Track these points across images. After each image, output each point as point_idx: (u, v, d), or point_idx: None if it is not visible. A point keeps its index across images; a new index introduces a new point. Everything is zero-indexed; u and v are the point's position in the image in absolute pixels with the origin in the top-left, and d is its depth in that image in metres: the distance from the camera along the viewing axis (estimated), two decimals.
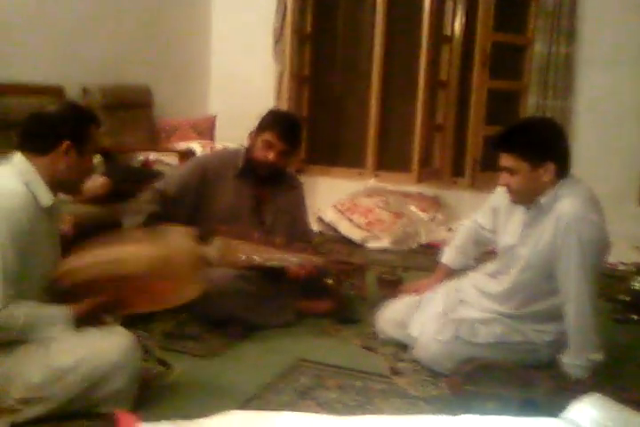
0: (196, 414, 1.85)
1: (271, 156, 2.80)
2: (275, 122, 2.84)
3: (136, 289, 1.93)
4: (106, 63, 4.32)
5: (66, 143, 1.88)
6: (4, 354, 1.84)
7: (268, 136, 2.80)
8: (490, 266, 2.60)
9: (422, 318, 2.55)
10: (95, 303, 1.92)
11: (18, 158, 1.89)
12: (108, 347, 1.89)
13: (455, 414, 1.32)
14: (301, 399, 2.15)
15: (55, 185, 1.91)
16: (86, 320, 1.93)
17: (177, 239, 2.04)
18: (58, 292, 1.94)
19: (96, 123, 1.99)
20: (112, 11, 4.38)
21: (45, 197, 1.88)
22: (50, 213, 1.92)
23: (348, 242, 4.43)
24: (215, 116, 4.99)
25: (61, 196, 2.12)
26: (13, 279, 1.77)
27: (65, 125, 1.90)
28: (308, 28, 5.20)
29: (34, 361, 1.84)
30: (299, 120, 3.12)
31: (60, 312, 1.87)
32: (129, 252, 1.94)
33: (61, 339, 1.89)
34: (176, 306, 2.11)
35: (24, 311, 1.80)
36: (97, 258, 1.90)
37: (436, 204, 4.86)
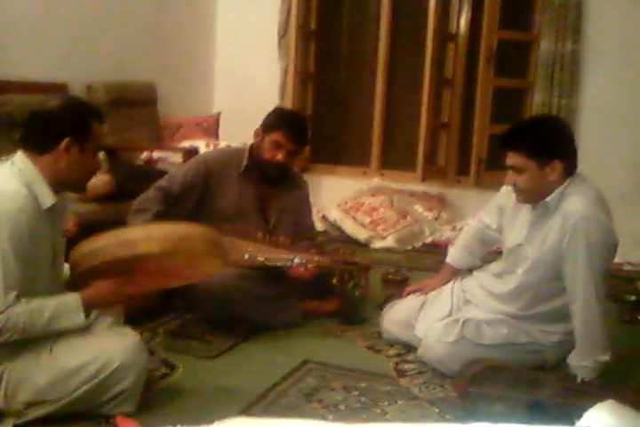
0: (201, 415, 1.84)
1: (280, 156, 2.79)
2: (282, 122, 2.82)
3: (152, 270, 1.90)
4: (110, 60, 4.32)
5: (66, 140, 1.83)
6: (10, 359, 1.83)
7: (276, 137, 2.78)
8: (496, 266, 2.58)
9: (428, 318, 2.53)
10: (104, 285, 1.88)
11: (19, 157, 1.84)
12: (113, 348, 1.88)
13: (464, 421, 1.30)
14: (306, 401, 2.14)
15: (58, 184, 1.87)
16: (100, 303, 1.90)
17: (185, 225, 2.02)
18: (74, 280, 1.93)
19: (99, 118, 1.92)
20: (116, 8, 4.37)
21: (47, 198, 1.84)
22: (53, 213, 1.88)
23: (352, 241, 4.41)
24: (219, 114, 4.97)
25: (68, 194, 2.10)
26: (14, 283, 1.75)
27: (65, 121, 1.84)
28: (313, 25, 5.17)
29: (40, 364, 1.83)
30: (305, 119, 3.11)
31: (68, 299, 1.83)
32: (139, 233, 1.92)
33: (66, 341, 1.87)
34: (201, 279, 2.10)
35: (28, 309, 1.77)
36: (107, 241, 1.86)
37: (440, 203, 4.84)
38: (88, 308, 1.86)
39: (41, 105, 1.90)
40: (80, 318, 1.83)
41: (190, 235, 1.91)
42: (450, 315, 2.52)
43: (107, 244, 1.85)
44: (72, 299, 1.84)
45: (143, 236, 1.86)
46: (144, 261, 1.85)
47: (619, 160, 4.51)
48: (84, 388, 1.82)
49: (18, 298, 1.75)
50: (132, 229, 2.00)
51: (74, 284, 1.94)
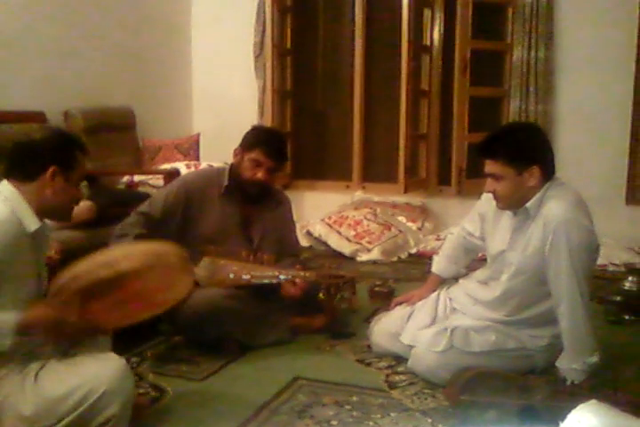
0: None
1: (260, 174, 2.79)
2: (260, 140, 2.82)
3: (133, 292, 1.89)
4: (87, 86, 4.32)
5: (52, 169, 1.86)
6: None
7: (255, 155, 2.78)
8: (481, 273, 2.59)
9: (414, 327, 2.53)
10: (45, 311, 1.80)
11: (4, 186, 1.88)
12: (99, 374, 1.85)
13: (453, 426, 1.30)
14: (299, 418, 2.13)
15: (43, 212, 1.89)
16: (42, 330, 1.82)
17: (160, 244, 2.02)
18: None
19: (82, 149, 1.96)
20: (91, 34, 4.37)
21: (31, 223, 1.85)
22: (36, 238, 1.89)
23: (338, 255, 4.42)
24: (199, 135, 4.98)
25: (48, 222, 2.10)
26: None
27: (50, 151, 1.88)
28: (288, 43, 5.21)
29: (25, 393, 1.80)
30: (283, 135, 3.12)
31: (5, 319, 1.75)
32: (117, 253, 1.92)
33: (51, 368, 1.85)
34: (172, 305, 2.02)
35: None
36: (89, 265, 1.84)
37: (423, 213, 4.86)
38: (24, 330, 1.77)
39: (26, 135, 1.94)
40: (6, 341, 1.74)
41: (164, 250, 1.93)
42: (433, 323, 2.52)
43: (85, 269, 1.84)
44: (8, 319, 1.76)
45: (122, 254, 1.88)
46: (125, 279, 1.85)
47: (597, 163, 4.56)
48: (71, 415, 1.79)
49: None
50: (110, 250, 2.00)
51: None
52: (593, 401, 1.26)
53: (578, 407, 1.22)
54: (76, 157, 1.93)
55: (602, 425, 1.17)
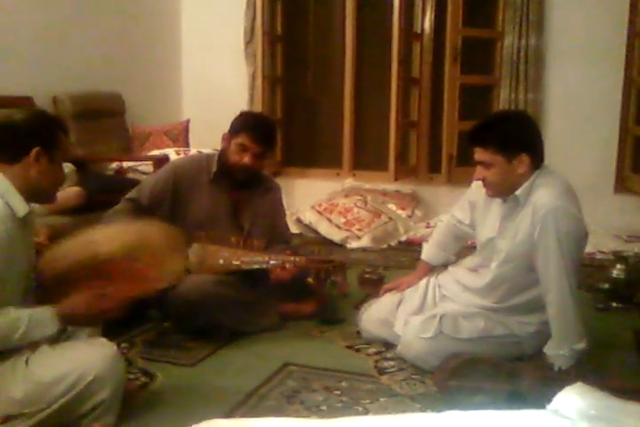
0: (183, 423, 1.81)
1: (246, 159, 2.77)
2: (247, 124, 2.81)
3: (118, 272, 1.89)
4: (76, 72, 4.28)
5: (35, 150, 1.85)
6: None
7: (241, 139, 2.77)
8: (470, 260, 2.61)
9: (405, 314, 2.55)
10: (79, 299, 1.86)
11: None
12: (90, 359, 1.86)
13: (440, 411, 1.31)
14: (288, 403, 2.14)
15: (29, 194, 1.88)
16: (78, 318, 1.87)
17: (149, 224, 2.04)
18: (42, 288, 1.91)
19: (63, 129, 1.96)
20: (80, 18, 4.34)
21: (20, 207, 1.85)
22: (25, 223, 1.89)
23: (328, 242, 4.42)
24: (188, 121, 4.96)
25: (36, 206, 2.10)
26: None
27: (33, 132, 1.87)
28: (279, 29, 5.18)
29: (16, 377, 1.81)
30: (271, 121, 3.10)
31: (43, 311, 1.81)
32: (101, 233, 1.95)
33: (42, 353, 1.86)
34: (165, 284, 2.06)
35: (6, 320, 1.75)
36: (69, 246, 1.88)
37: (413, 201, 4.87)
38: (63, 319, 1.84)
39: (7, 117, 1.92)
40: (53, 329, 1.81)
41: (148, 229, 1.96)
42: (422, 310, 2.54)
43: (69, 249, 1.87)
44: (47, 310, 1.82)
45: (104, 235, 1.90)
46: (109, 261, 1.85)
47: (586, 152, 4.58)
48: (62, 400, 1.80)
49: None
50: (93, 230, 2.00)
51: (45, 295, 1.92)
52: (579, 384, 1.28)
53: (564, 390, 1.24)
54: (59, 137, 1.93)
55: (588, 407, 1.19)
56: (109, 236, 1.91)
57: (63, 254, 1.89)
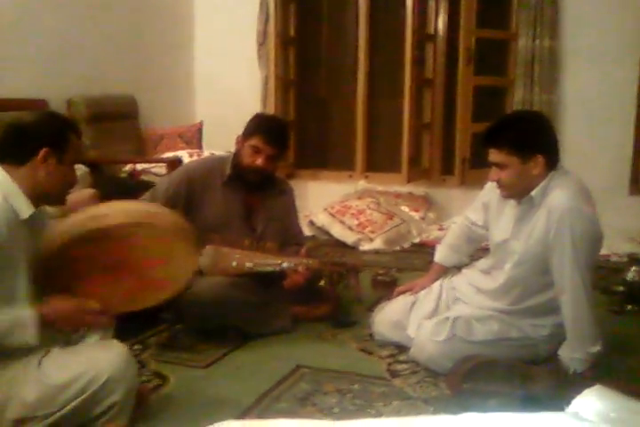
0: (195, 425, 1.82)
1: (260, 161, 2.77)
2: (260, 126, 2.81)
3: (124, 258, 1.87)
4: (90, 75, 4.30)
5: (44, 150, 1.83)
6: None
7: (255, 141, 2.77)
8: (483, 262, 2.59)
9: (418, 317, 2.53)
10: (64, 303, 1.84)
11: None
12: (102, 361, 1.85)
13: (456, 414, 1.30)
14: (301, 406, 2.13)
15: (37, 196, 1.85)
16: (57, 322, 1.84)
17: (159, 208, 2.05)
18: (46, 265, 1.88)
19: (75, 131, 1.93)
20: (94, 22, 4.36)
21: (24, 209, 1.82)
22: (31, 225, 1.86)
23: (341, 245, 4.42)
24: (201, 123, 4.97)
25: (49, 208, 2.09)
26: None
27: (41, 133, 1.85)
28: (292, 32, 5.19)
29: (28, 380, 1.80)
30: (285, 123, 3.10)
31: (24, 315, 1.76)
32: (108, 206, 1.93)
33: (54, 355, 1.85)
34: (175, 291, 2.03)
35: None
36: (73, 221, 1.86)
37: (426, 203, 4.85)
38: (44, 325, 1.79)
39: (17, 118, 1.90)
40: (32, 337, 1.76)
41: (158, 211, 1.97)
42: (435, 312, 2.53)
43: (75, 220, 1.85)
44: (28, 315, 1.77)
45: (112, 209, 1.89)
46: (114, 236, 1.83)
47: (601, 154, 4.54)
48: (74, 403, 1.80)
49: None
50: (101, 205, 1.99)
51: (48, 277, 1.89)
52: (597, 386, 1.26)
53: (583, 393, 1.22)
54: (69, 138, 1.89)
55: (608, 409, 1.18)
56: (118, 209, 1.89)
57: (68, 226, 1.85)
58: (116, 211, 1.88)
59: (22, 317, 1.77)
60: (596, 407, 1.18)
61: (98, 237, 1.83)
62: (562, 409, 1.22)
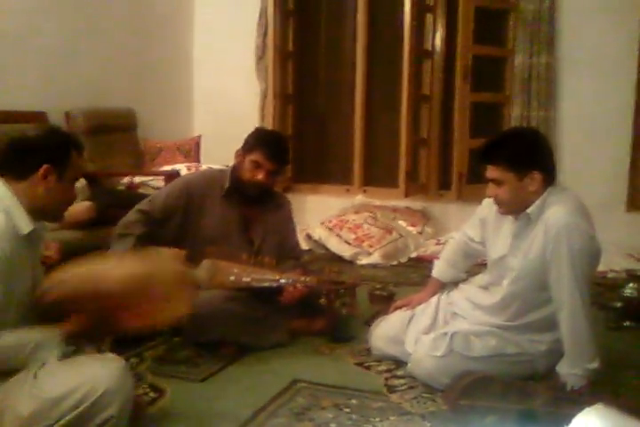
0: None
1: (260, 176, 2.78)
2: (261, 141, 2.82)
3: (118, 307, 1.89)
4: (89, 87, 4.32)
5: (44, 167, 1.83)
6: None
7: (255, 156, 2.78)
8: (481, 278, 2.59)
9: (416, 332, 2.53)
10: (82, 321, 1.86)
11: None
12: (98, 374, 1.84)
13: None
14: (297, 421, 2.12)
15: (35, 211, 1.86)
16: (79, 338, 1.88)
17: (161, 260, 2.02)
18: (42, 310, 1.89)
19: (78, 148, 1.93)
20: (93, 35, 4.38)
21: (24, 224, 1.82)
22: (30, 239, 1.86)
23: (337, 259, 4.41)
24: (200, 137, 4.98)
25: (45, 223, 2.09)
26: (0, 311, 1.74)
27: (44, 149, 1.85)
28: (290, 46, 5.22)
29: (23, 393, 1.79)
30: (285, 138, 3.11)
31: (49, 334, 1.81)
32: (106, 269, 1.91)
33: (50, 368, 1.84)
34: (166, 324, 2.06)
35: (14, 340, 1.75)
36: (74, 275, 1.86)
37: (424, 217, 4.86)
38: (67, 342, 1.84)
39: (20, 133, 1.90)
40: (59, 351, 1.81)
41: (159, 266, 1.95)
42: (433, 328, 2.52)
43: (73, 276, 1.85)
44: (53, 335, 1.81)
45: (110, 271, 1.87)
46: (108, 297, 1.85)
47: (598, 169, 4.56)
48: (70, 416, 1.78)
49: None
50: (102, 262, 1.99)
51: (44, 313, 1.91)
52: (599, 405, 1.26)
53: (584, 411, 1.22)
54: (70, 155, 1.89)
55: None
56: (114, 272, 1.87)
57: (65, 283, 1.85)
58: (112, 274, 1.86)
59: (48, 336, 1.80)
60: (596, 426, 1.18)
61: (95, 296, 1.85)
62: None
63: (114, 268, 1.92)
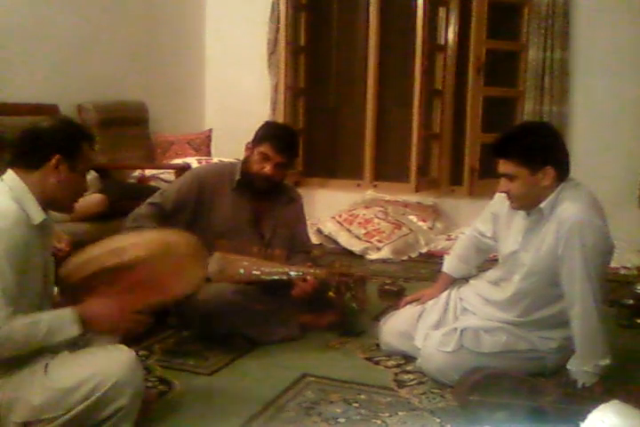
0: None
1: (268, 168, 2.77)
2: (270, 134, 2.82)
3: (139, 281, 1.90)
4: (101, 80, 4.32)
5: (56, 157, 1.84)
6: (4, 376, 1.80)
7: (264, 149, 2.78)
8: (492, 273, 2.57)
9: (425, 328, 2.52)
10: (102, 305, 1.88)
11: (8, 175, 1.86)
12: (109, 365, 1.85)
13: (463, 426, 1.29)
14: (306, 415, 2.12)
15: (46, 202, 1.87)
16: (98, 324, 1.87)
17: (175, 233, 2.08)
18: (67, 292, 1.94)
19: (89, 140, 1.94)
20: (105, 28, 4.38)
21: (36, 214, 1.84)
22: (42, 229, 1.88)
23: (347, 253, 4.40)
24: (211, 131, 4.98)
25: (56, 214, 2.10)
26: (12, 297, 1.74)
27: (55, 140, 1.86)
28: (302, 40, 5.20)
29: (34, 383, 1.80)
30: (294, 131, 3.10)
31: (63, 313, 1.81)
32: (127, 241, 1.96)
33: (61, 359, 1.85)
34: (184, 293, 2.08)
35: (26, 323, 1.75)
36: (96, 251, 1.90)
37: (435, 212, 4.84)
38: (83, 324, 1.84)
39: (33, 124, 1.93)
40: (75, 330, 1.81)
41: (176, 240, 1.99)
42: (443, 323, 2.51)
43: (95, 254, 1.88)
44: (67, 312, 1.82)
45: (131, 243, 1.92)
46: (133, 267, 1.87)
47: (612, 165, 4.52)
48: (81, 406, 1.80)
49: (14, 313, 1.74)
50: (118, 237, 2.02)
51: (65, 301, 1.93)
52: (615, 401, 1.24)
53: (600, 407, 1.21)
54: (82, 146, 1.91)
55: (624, 425, 1.16)
56: (135, 243, 1.92)
57: (87, 260, 1.89)
58: (134, 244, 1.92)
59: (62, 315, 1.81)
60: (614, 423, 1.17)
61: (117, 269, 1.87)
62: (575, 424, 1.20)
63: (132, 240, 1.97)
